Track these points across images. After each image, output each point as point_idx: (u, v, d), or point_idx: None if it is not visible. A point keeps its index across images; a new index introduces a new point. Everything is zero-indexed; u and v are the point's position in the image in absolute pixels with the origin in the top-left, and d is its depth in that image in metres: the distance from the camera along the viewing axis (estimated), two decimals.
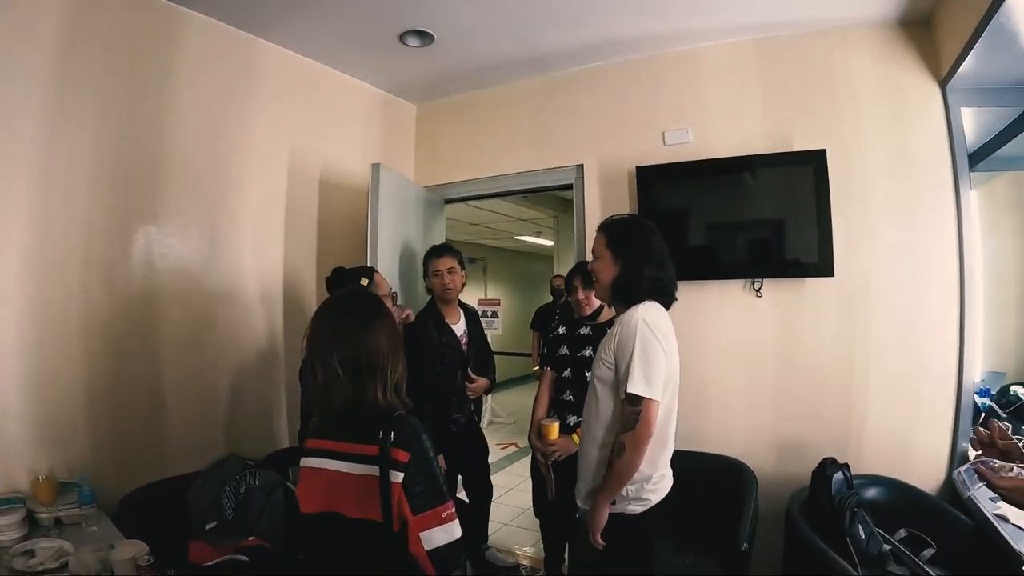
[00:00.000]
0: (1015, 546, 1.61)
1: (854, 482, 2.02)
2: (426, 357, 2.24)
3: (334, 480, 1.14)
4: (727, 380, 2.48)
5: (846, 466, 2.01)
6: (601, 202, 2.72)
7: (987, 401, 2.35)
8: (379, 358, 1.15)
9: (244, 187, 2.41)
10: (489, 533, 2.94)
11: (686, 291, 2.46)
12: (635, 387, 1.39)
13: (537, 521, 2.57)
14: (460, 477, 2.65)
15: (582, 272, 2.19)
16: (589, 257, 1.76)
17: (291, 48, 2.57)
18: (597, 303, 2.23)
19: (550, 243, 7.50)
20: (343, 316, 1.19)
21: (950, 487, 2.03)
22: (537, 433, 2.17)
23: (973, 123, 2.38)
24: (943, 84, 2.19)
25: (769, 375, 2.41)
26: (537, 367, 2.78)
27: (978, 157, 2.46)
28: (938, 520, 1.93)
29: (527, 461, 2.59)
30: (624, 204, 2.62)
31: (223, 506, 2.00)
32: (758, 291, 2.42)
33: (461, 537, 1.12)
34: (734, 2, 2.23)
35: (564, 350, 2.41)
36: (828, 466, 1.97)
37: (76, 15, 1.87)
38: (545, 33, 2.48)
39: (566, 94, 2.84)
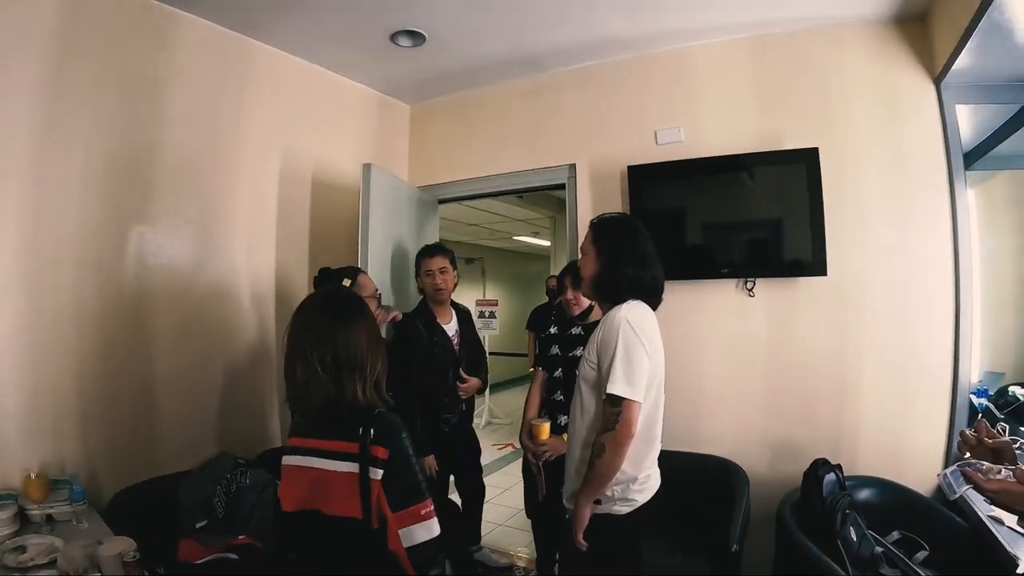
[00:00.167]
0: (1009, 549, 1.58)
1: (847, 483, 2.00)
2: (414, 356, 2.24)
3: (315, 478, 1.15)
4: (720, 380, 2.46)
5: (838, 467, 1.98)
6: (593, 202, 2.71)
7: (984, 401, 2.32)
8: (358, 356, 1.15)
9: (236, 187, 2.42)
10: (483, 533, 2.94)
11: (678, 291, 2.47)
12: (615, 388, 1.38)
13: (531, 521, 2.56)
14: (452, 477, 2.65)
15: (572, 272, 2.19)
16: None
17: (283, 48, 2.58)
18: (586, 303, 2.22)
19: (547, 243, 7.51)
20: (323, 315, 1.19)
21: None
22: (528, 433, 2.16)
23: (969, 121, 2.35)
24: (937, 81, 2.17)
25: (762, 375, 2.39)
26: (533, 368, 2.78)
27: (975, 155, 2.44)
28: (932, 522, 1.90)
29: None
30: (616, 203, 2.62)
31: (214, 504, 2.01)
32: (751, 291, 2.40)
33: (440, 535, 1.12)
34: (726, 0, 2.22)
35: (555, 350, 2.41)
36: (820, 467, 1.94)
37: (70, 17, 1.89)
38: (536, 33, 2.48)
39: (558, 94, 2.84)
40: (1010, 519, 1.65)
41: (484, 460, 4.61)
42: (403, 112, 3.30)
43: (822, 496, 1.87)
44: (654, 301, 1.58)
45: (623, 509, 1.50)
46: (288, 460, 1.21)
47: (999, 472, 0.97)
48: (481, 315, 5.74)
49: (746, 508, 2.07)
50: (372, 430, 1.10)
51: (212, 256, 2.34)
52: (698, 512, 2.22)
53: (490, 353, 6.22)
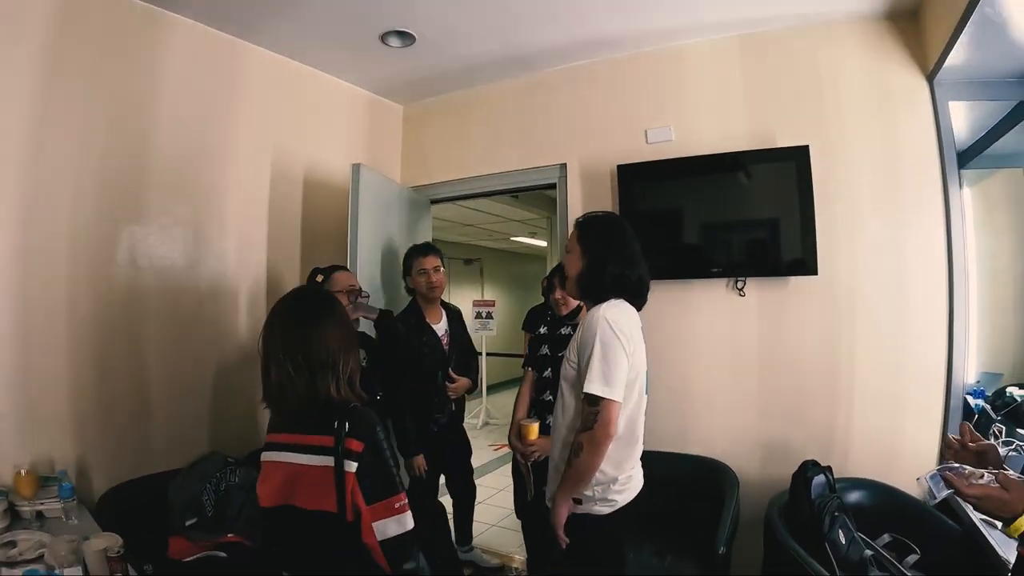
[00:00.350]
0: (1001, 553, 1.56)
1: (837, 485, 1.97)
2: (398, 355, 2.22)
3: (292, 472, 1.16)
4: (710, 381, 2.45)
5: (828, 469, 1.96)
6: (584, 201, 2.70)
7: (980, 402, 2.28)
8: (328, 355, 1.16)
9: (228, 188, 2.44)
10: (476, 534, 2.94)
11: (668, 291, 2.46)
12: (593, 387, 1.37)
13: None
14: (443, 477, 2.66)
15: (560, 272, 2.19)
16: None
17: (274, 50, 2.60)
18: (574, 303, 2.22)
19: (544, 244, 7.49)
20: (293, 317, 1.21)
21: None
22: (517, 433, 2.16)
23: (965, 119, 2.33)
24: (930, 78, 2.15)
25: (753, 375, 2.37)
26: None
27: (971, 154, 2.40)
28: (924, 525, 1.87)
29: None
30: (607, 203, 2.60)
31: (204, 503, 2.03)
32: (741, 290, 2.38)
33: (414, 528, 1.13)
34: None
35: (545, 350, 2.40)
36: (809, 469, 1.92)
37: (61, 20, 1.91)
38: (526, 32, 2.47)
39: (549, 93, 2.84)
40: None
41: (481, 461, 4.65)
42: (396, 112, 3.31)
43: (810, 498, 1.85)
44: (639, 301, 1.56)
45: (604, 510, 1.48)
46: (266, 456, 1.23)
47: (981, 476, 0.94)
48: (478, 316, 5.73)
49: (735, 510, 2.05)
50: (347, 424, 1.11)
51: (204, 256, 2.36)
52: (687, 513, 2.20)
53: (487, 354, 6.26)
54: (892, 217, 2.20)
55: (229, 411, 2.38)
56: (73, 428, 1.95)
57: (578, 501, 1.49)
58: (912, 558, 1.79)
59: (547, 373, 2.26)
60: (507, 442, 2.26)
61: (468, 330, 2.75)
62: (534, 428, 2.11)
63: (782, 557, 1.75)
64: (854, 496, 2.02)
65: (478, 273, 8.54)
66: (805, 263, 2.22)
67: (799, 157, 2.22)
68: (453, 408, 2.53)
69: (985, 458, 1.08)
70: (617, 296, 1.49)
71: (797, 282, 2.29)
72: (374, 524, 1.08)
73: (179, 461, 2.13)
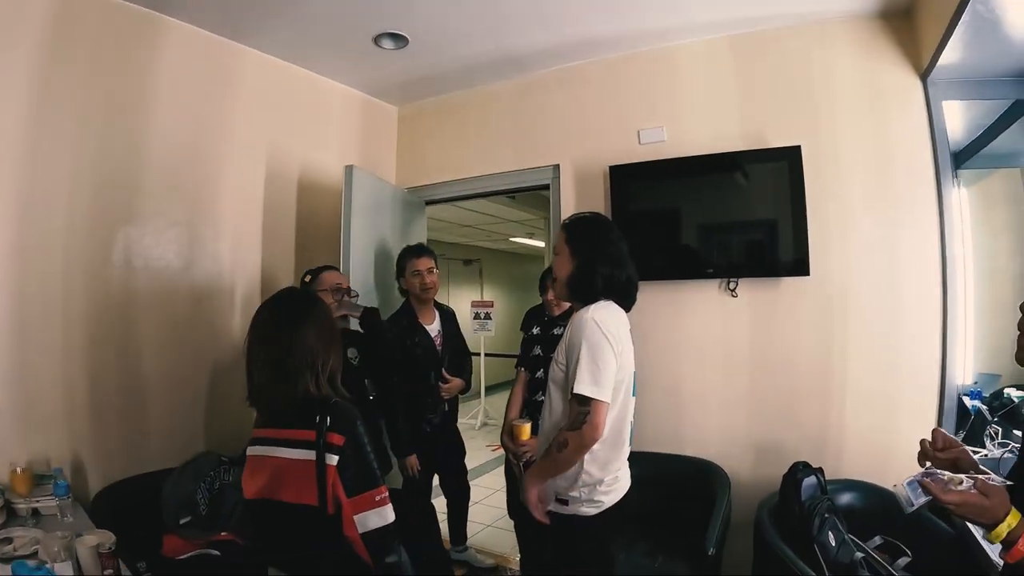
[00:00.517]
0: (992, 556, 1.54)
1: (829, 487, 1.96)
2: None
3: (276, 466, 1.18)
4: (703, 382, 2.44)
5: (820, 470, 1.95)
6: (577, 202, 2.71)
7: (977, 403, 2.26)
8: (307, 355, 1.18)
9: (222, 189, 2.46)
10: (471, 534, 2.94)
11: (661, 292, 2.46)
12: (582, 388, 1.37)
13: None
14: (437, 477, 2.67)
15: (551, 274, 2.19)
16: None
17: (268, 52, 2.61)
18: (568, 304, 2.22)
19: (542, 244, 7.49)
20: (273, 319, 1.24)
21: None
22: (509, 434, 2.16)
23: (962, 119, 2.31)
24: (924, 77, 2.13)
25: (745, 376, 2.37)
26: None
27: (968, 153, 2.38)
28: (916, 527, 1.85)
29: None
30: (600, 204, 2.60)
31: (198, 501, 2.05)
32: (733, 291, 2.37)
33: (394, 521, 1.15)
34: None
35: (538, 350, 2.41)
36: (799, 470, 1.91)
37: (57, 23, 1.94)
38: (518, 33, 2.48)
39: (542, 94, 2.84)
40: None
41: (478, 461, 4.66)
42: (391, 114, 3.33)
43: (800, 500, 1.85)
44: (628, 302, 1.56)
45: (590, 511, 1.48)
46: (251, 450, 1.25)
47: (960, 483, 0.92)
48: (477, 316, 5.73)
49: (727, 510, 2.04)
50: (328, 418, 1.14)
51: (199, 257, 2.38)
52: (679, 514, 2.20)
53: (486, 355, 6.26)
54: (885, 217, 2.19)
55: (224, 411, 2.39)
56: (69, 427, 1.98)
57: (564, 502, 1.50)
58: (903, 560, 1.78)
59: (540, 374, 2.27)
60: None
61: (462, 331, 2.76)
62: (526, 428, 2.11)
63: (771, 559, 1.75)
64: (846, 498, 2.01)
65: (477, 274, 8.54)
66: (797, 263, 2.22)
67: (791, 157, 2.21)
68: (446, 408, 2.54)
69: (959, 465, 1.07)
70: (606, 298, 1.50)
71: (789, 282, 2.28)
72: (355, 517, 1.11)
73: (174, 460, 2.15)
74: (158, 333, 2.24)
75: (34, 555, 1.52)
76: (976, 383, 2.36)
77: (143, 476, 2.08)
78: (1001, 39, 1.87)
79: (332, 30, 2.42)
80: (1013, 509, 0.85)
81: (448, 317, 2.62)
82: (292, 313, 1.23)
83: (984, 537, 0.90)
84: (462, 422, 6.07)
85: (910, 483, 0.96)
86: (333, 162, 2.88)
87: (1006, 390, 2.32)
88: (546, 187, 2.86)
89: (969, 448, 1.10)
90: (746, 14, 2.30)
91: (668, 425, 2.47)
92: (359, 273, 2.60)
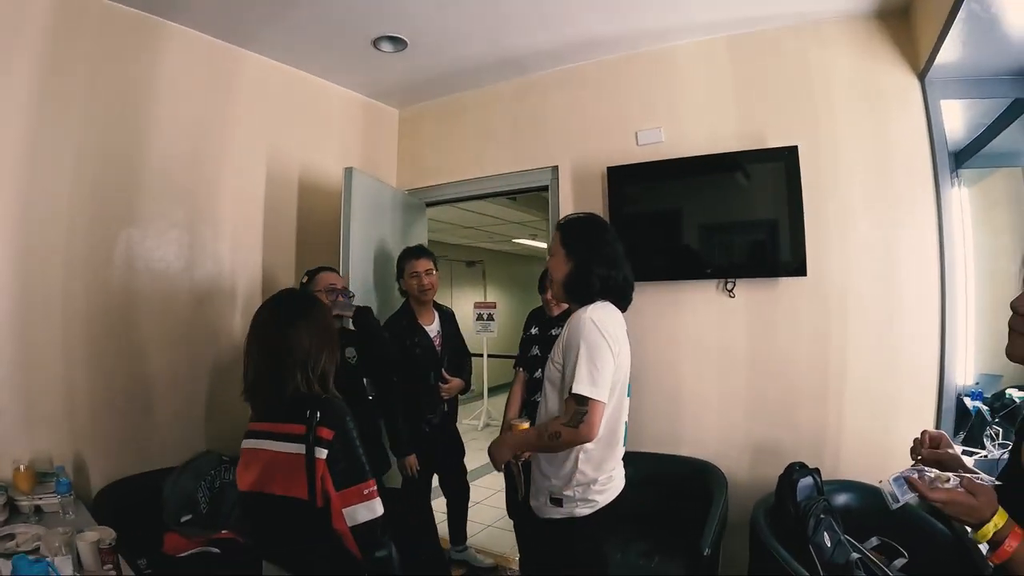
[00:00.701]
0: (989, 557, 1.53)
1: (826, 487, 1.96)
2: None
3: (267, 459, 1.21)
4: (700, 382, 2.44)
5: (816, 471, 1.94)
6: (575, 203, 2.71)
7: (978, 404, 2.24)
8: (300, 354, 1.21)
9: (223, 191, 2.48)
10: (471, 534, 2.95)
11: (658, 292, 2.46)
12: (581, 388, 1.37)
13: None
14: (437, 477, 2.68)
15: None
16: None
17: (268, 55, 2.64)
18: (567, 305, 2.23)
19: (545, 246, 7.49)
20: (269, 317, 1.27)
21: None
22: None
23: (961, 118, 2.30)
24: (922, 76, 2.12)
25: (743, 377, 2.36)
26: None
27: (968, 153, 2.37)
28: (913, 528, 1.85)
29: None
30: (598, 205, 2.61)
31: (198, 500, 2.08)
32: (731, 291, 2.37)
33: (384, 516, 1.17)
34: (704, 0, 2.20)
35: (536, 351, 2.42)
36: (794, 471, 1.91)
37: (59, 28, 1.97)
38: (516, 36, 2.49)
39: (541, 96, 2.85)
40: None
41: (480, 462, 4.63)
42: (391, 116, 3.34)
43: (795, 501, 1.84)
44: (624, 303, 1.57)
45: (584, 510, 1.49)
46: (245, 443, 1.28)
47: (948, 481, 0.92)
48: (479, 318, 5.74)
49: (723, 511, 2.04)
50: (319, 413, 1.16)
51: (199, 258, 2.40)
52: (676, 514, 2.20)
53: (489, 355, 6.27)
54: (883, 217, 2.18)
55: (224, 410, 2.41)
56: (71, 426, 2.01)
57: (559, 503, 1.50)
58: (900, 561, 1.77)
59: (538, 374, 2.27)
60: None
61: (464, 332, 2.78)
62: (525, 428, 2.12)
63: (766, 559, 1.75)
64: (843, 498, 2.01)
65: (480, 275, 8.55)
66: (795, 264, 2.21)
67: (788, 157, 2.21)
68: (446, 409, 2.56)
69: (945, 464, 1.07)
70: (603, 298, 1.50)
71: (787, 283, 2.28)
72: (344, 510, 1.13)
73: (175, 459, 2.18)
74: (159, 333, 2.26)
75: (36, 551, 1.54)
76: (978, 383, 2.35)
77: (144, 474, 2.11)
78: (998, 38, 1.86)
79: (331, 34, 2.44)
80: (1000, 509, 0.84)
81: (448, 318, 2.63)
82: (288, 313, 1.26)
83: (971, 536, 0.89)
84: (465, 423, 6.10)
85: (896, 480, 0.96)
86: (334, 164, 2.90)
87: (1008, 391, 2.30)
88: (545, 188, 2.87)
89: (969, 449, 1.09)
90: (744, 15, 2.30)
91: (666, 425, 2.47)
92: (359, 274, 2.62)
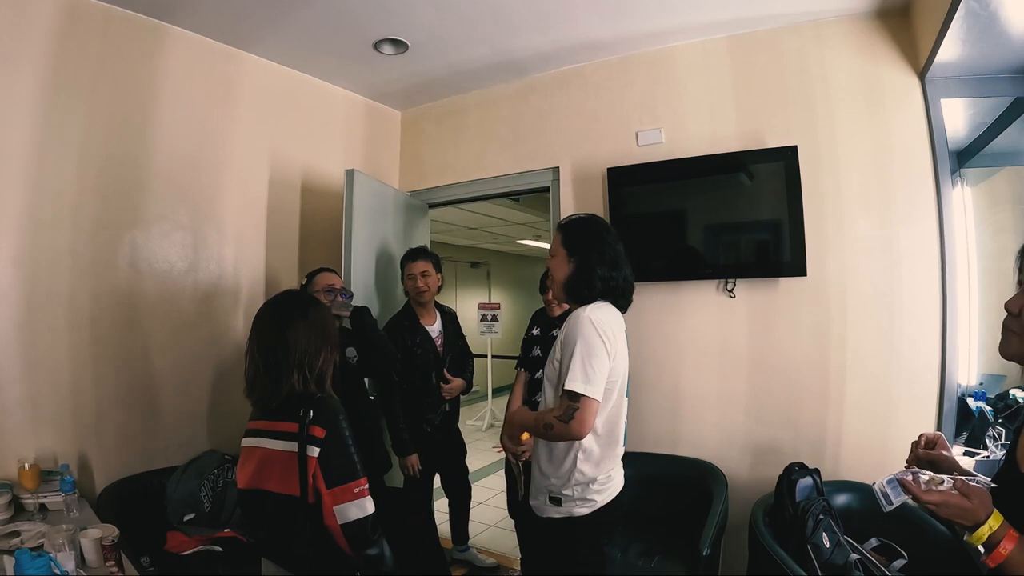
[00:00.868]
0: (984, 560, 1.52)
1: (826, 488, 1.95)
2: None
3: (264, 456, 1.23)
4: (701, 382, 2.44)
5: (816, 471, 1.94)
6: (576, 204, 2.71)
7: (981, 404, 2.23)
8: (297, 355, 1.23)
9: (226, 193, 2.51)
10: (474, 534, 2.96)
11: (659, 292, 2.47)
12: (573, 384, 1.37)
13: None
14: (438, 477, 2.69)
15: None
16: None
17: (270, 58, 2.66)
18: (567, 305, 2.24)
19: (548, 246, 7.47)
20: (267, 317, 1.29)
21: None
22: (508, 433, 2.18)
23: (964, 117, 2.29)
24: (922, 75, 2.11)
25: (744, 377, 2.36)
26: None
27: (971, 152, 2.36)
28: (914, 529, 1.84)
29: None
30: (598, 205, 2.61)
31: (201, 499, 2.10)
32: (731, 292, 2.37)
33: (374, 513, 1.18)
34: (704, 0, 2.20)
35: (537, 351, 2.43)
36: (793, 471, 1.90)
37: (63, 32, 2.00)
38: (516, 37, 2.50)
39: (541, 97, 2.85)
40: None
41: (484, 463, 4.68)
42: (394, 118, 3.36)
43: (794, 501, 1.84)
44: (624, 303, 1.57)
45: (584, 510, 1.49)
46: (244, 441, 1.30)
47: (941, 483, 0.92)
48: (483, 319, 5.75)
49: (723, 511, 2.04)
50: (312, 411, 1.18)
51: (203, 260, 2.43)
52: (677, 514, 2.20)
53: (493, 356, 6.28)
54: (884, 216, 2.17)
55: (227, 410, 2.44)
56: (76, 425, 2.03)
57: (558, 502, 1.51)
58: (899, 563, 1.76)
59: (539, 374, 2.27)
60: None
61: (468, 332, 2.79)
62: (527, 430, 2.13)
63: (764, 559, 1.74)
64: (843, 499, 2.00)
65: (485, 276, 8.56)
66: (795, 264, 2.20)
67: (788, 157, 2.20)
68: (447, 409, 2.57)
69: (938, 469, 1.06)
70: (604, 299, 1.51)
71: (787, 283, 2.27)
72: (335, 508, 1.14)
73: (178, 458, 2.21)
74: (163, 334, 2.29)
75: (40, 548, 1.57)
76: (981, 384, 2.33)
77: (148, 473, 2.14)
78: (998, 36, 1.85)
79: (332, 36, 2.46)
80: (995, 512, 0.84)
81: (450, 318, 2.65)
82: (287, 313, 1.28)
83: (966, 539, 0.87)
84: (469, 423, 6.11)
85: (890, 481, 0.95)
86: (336, 166, 2.92)
87: (1011, 391, 2.28)
88: (546, 189, 2.87)
89: (971, 450, 1.08)
90: (743, 15, 2.30)
91: (666, 425, 2.47)
92: (360, 275, 2.63)
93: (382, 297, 2.78)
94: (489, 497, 3.86)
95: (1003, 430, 2.09)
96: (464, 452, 2.73)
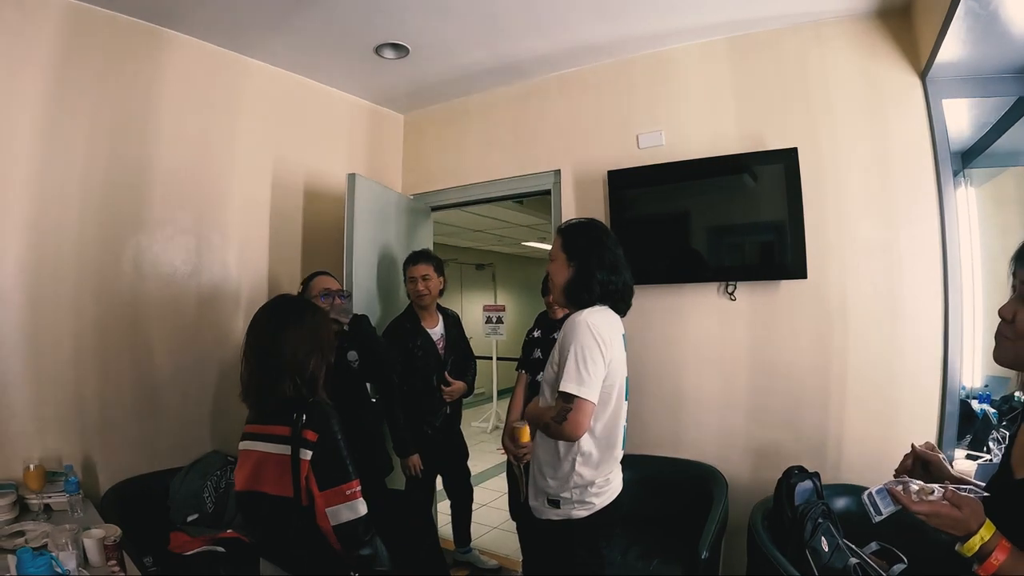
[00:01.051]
0: (976, 570, 1.51)
1: (826, 491, 1.94)
2: (382, 357, 2.26)
3: (259, 459, 1.26)
4: (702, 385, 2.43)
5: (815, 474, 1.93)
6: (577, 207, 2.71)
7: (985, 407, 2.21)
8: (290, 358, 1.25)
9: (230, 198, 2.53)
10: (478, 536, 2.97)
11: (660, 295, 2.46)
12: (568, 386, 1.39)
13: None
14: (440, 479, 2.70)
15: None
16: None
17: (272, 63, 2.68)
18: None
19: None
20: (262, 321, 1.31)
21: None
22: (510, 435, 2.18)
23: (968, 117, 2.27)
24: (923, 75, 2.10)
25: (745, 380, 2.35)
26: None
27: (975, 152, 2.34)
28: (914, 533, 1.81)
29: None
30: (600, 208, 2.61)
31: (204, 499, 2.13)
32: (732, 294, 2.36)
33: (366, 515, 1.20)
34: (703, 2, 2.19)
35: (538, 353, 2.43)
36: (792, 475, 1.89)
37: (67, 38, 2.03)
38: (516, 41, 2.51)
39: (542, 100, 2.86)
40: None
41: (487, 465, 4.68)
42: (396, 121, 3.37)
43: (793, 504, 1.83)
44: (623, 307, 1.58)
45: (581, 513, 1.50)
46: (241, 445, 1.33)
47: (932, 492, 0.91)
48: (488, 320, 5.76)
49: (723, 514, 2.03)
50: (304, 416, 1.21)
51: (206, 263, 2.45)
52: (677, 517, 2.20)
53: (498, 358, 6.29)
54: (885, 218, 2.15)
55: (229, 412, 2.43)
56: (80, 426, 2.06)
57: (556, 504, 1.51)
58: (899, 567, 1.74)
59: (540, 376, 2.28)
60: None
61: (473, 334, 2.80)
62: (527, 430, 2.12)
63: (763, 563, 1.74)
64: (843, 503, 1.98)
65: (490, 278, 8.57)
66: (795, 266, 2.19)
67: (788, 159, 2.19)
68: (448, 411, 2.58)
69: (929, 469, 1.06)
70: (603, 303, 1.51)
71: (788, 285, 2.26)
72: (327, 510, 1.17)
73: (181, 459, 2.23)
74: (166, 337, 2.32)
75: (44, 547, 1.59)
76: (986, 386, 2.31)
77: (151, 474, 2.16)
78: (1000, 35, 1.83)
79: (334, 41, 2.48)
80: (987, 522, 0.83)
81: (452, 321, 2.66)
82: (280, 318, 1.30)
83: (957, 549, 0.86)
84: (473, 425, 6.11)
85: (879, 491, 0.95)
86: (340, 169, 2.94)
87: (1016, 393, 2.26)
88: (548, 192, 2.88)
89: (973, 453, 1.07)
90: (742, 16, 2.29)
91: (667, 428, 2.47)
92: (363, 279, 2.65)
93: (385, 300, 2.80)
94: (492, 499, 3.87)
95: (1006, 433, 2.07)
96: (466, 454, 2.74)
